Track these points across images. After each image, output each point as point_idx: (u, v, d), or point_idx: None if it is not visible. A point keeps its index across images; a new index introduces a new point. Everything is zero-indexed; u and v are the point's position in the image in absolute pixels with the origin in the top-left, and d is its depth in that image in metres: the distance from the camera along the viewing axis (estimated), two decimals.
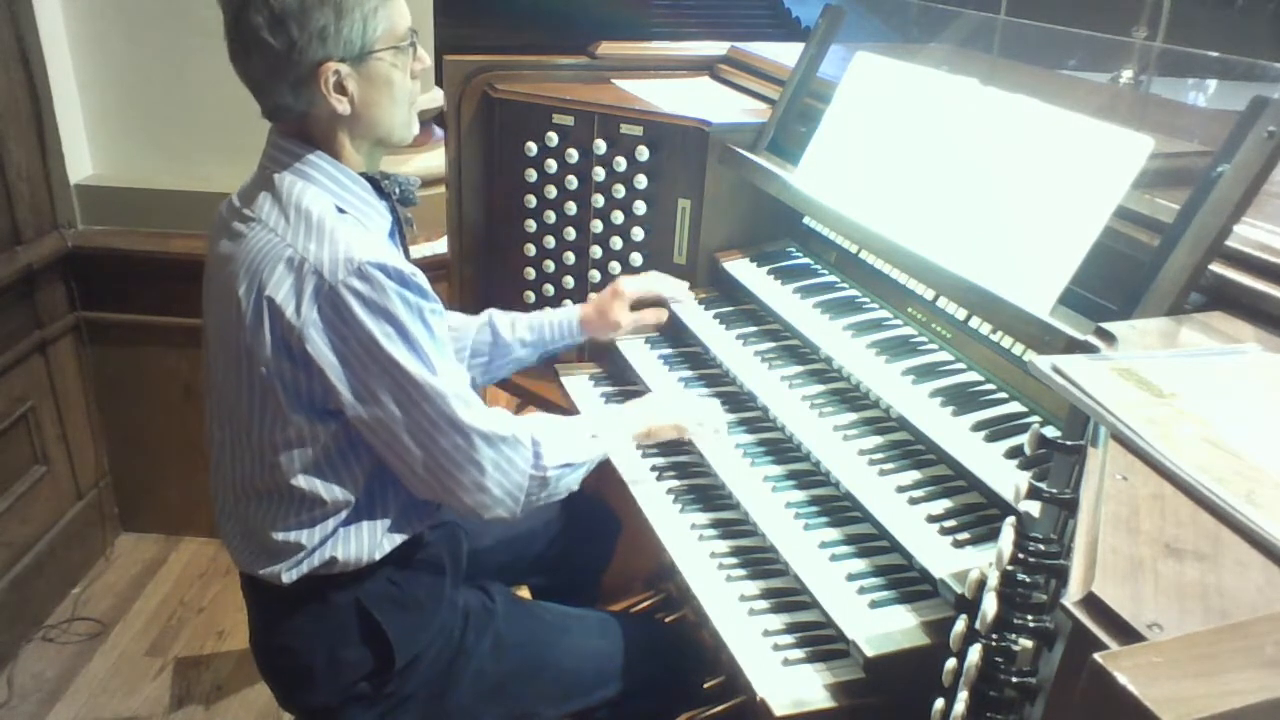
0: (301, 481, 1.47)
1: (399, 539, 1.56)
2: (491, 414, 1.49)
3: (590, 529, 2.06)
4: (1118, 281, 1.42)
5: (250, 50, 1.36)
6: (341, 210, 1.43)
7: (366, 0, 1.37)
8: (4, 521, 2.60)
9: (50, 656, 2.66)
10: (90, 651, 2.69)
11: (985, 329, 1.72)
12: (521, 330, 1.98)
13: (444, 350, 1.46)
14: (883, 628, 1.41)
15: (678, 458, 1.95)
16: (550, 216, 2.41)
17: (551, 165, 2.36)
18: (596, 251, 2.38)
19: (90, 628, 2.77)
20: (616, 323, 2.05)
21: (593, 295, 2.14)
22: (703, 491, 1.87)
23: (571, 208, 2.38)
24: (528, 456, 1.52)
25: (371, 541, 1.53)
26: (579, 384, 2.24)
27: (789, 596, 1.62)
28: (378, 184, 1.52)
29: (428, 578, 1.61)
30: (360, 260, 1.35)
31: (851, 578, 1.53)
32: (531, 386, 2.37)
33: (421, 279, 1.42)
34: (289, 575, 1.50)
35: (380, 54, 1.41)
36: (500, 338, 1.96)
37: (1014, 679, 0.91)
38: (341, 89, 1.40)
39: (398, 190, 1.55)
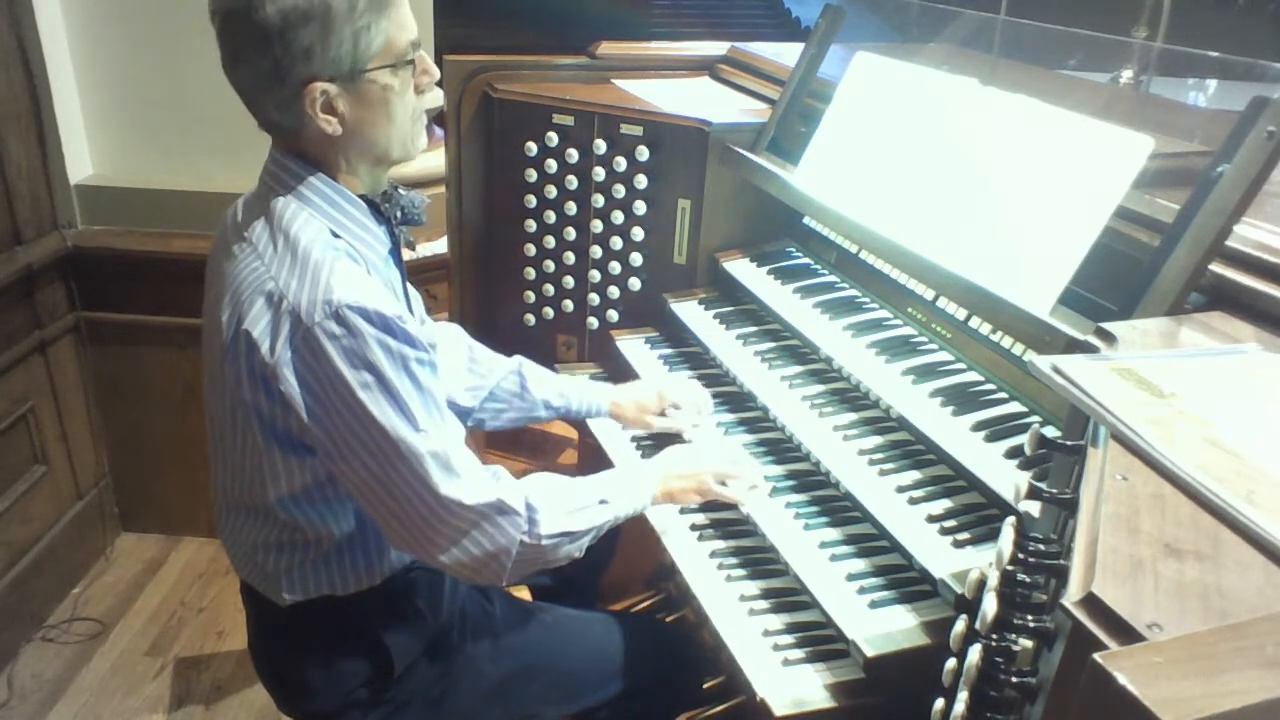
0: (283, 509, 1.43)
1: (399, 566, 1.55)
2: (479, 478, 1.38)
3: None
4: (1118, 281, 1.42)
5: (237, 64, 1.31)
6: (336, 235, 1.37)
7: (358, 16, 1.27)
8: (4, 521, 2.60)
9: (50, 656, 2.66)
10: (90, 651, 2.69)
11: (985, 329, 1.72)
12: (550, 392, 1.91)
13: (430, 404, 1.35)
14: (883, 628, 1.41)
15: None
16: (550, 217, 2.42)
17: (551, 165, 2.37)
18: (596, 251, 2.38)
19: (90, 628, 2.77)
20: (649, 423, 1.95)
21: (635, 386, 2.00)
22: None
23: (571, 208, 2.38)
24: (520, 524, 1.40)
25: (370, 572, 1.51)
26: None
27: (789, 596, 1.62)
28: (377, 206, 1.44)
29: (425, 585, 1.60)
30: (339, 303, 1.26)
31: (851, 578, 1.53)
32: None
33: (409, 324, 1.32)
34: (286, 599, 1.50)
35: (374, 73, 1.31)
36: (528, 393, 1.89)
37: (1014, 679, 0.91)
38: (331, 109, 1.31)
39: (399, 213, 1.48)
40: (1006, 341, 1.68)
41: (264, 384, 1.32)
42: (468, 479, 1.37)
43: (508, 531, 1.39)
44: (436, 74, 1.43)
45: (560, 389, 1.93)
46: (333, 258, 1.32)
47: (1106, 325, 1.25)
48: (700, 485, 1.68)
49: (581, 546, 1.51)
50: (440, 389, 1.40)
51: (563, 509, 1.46)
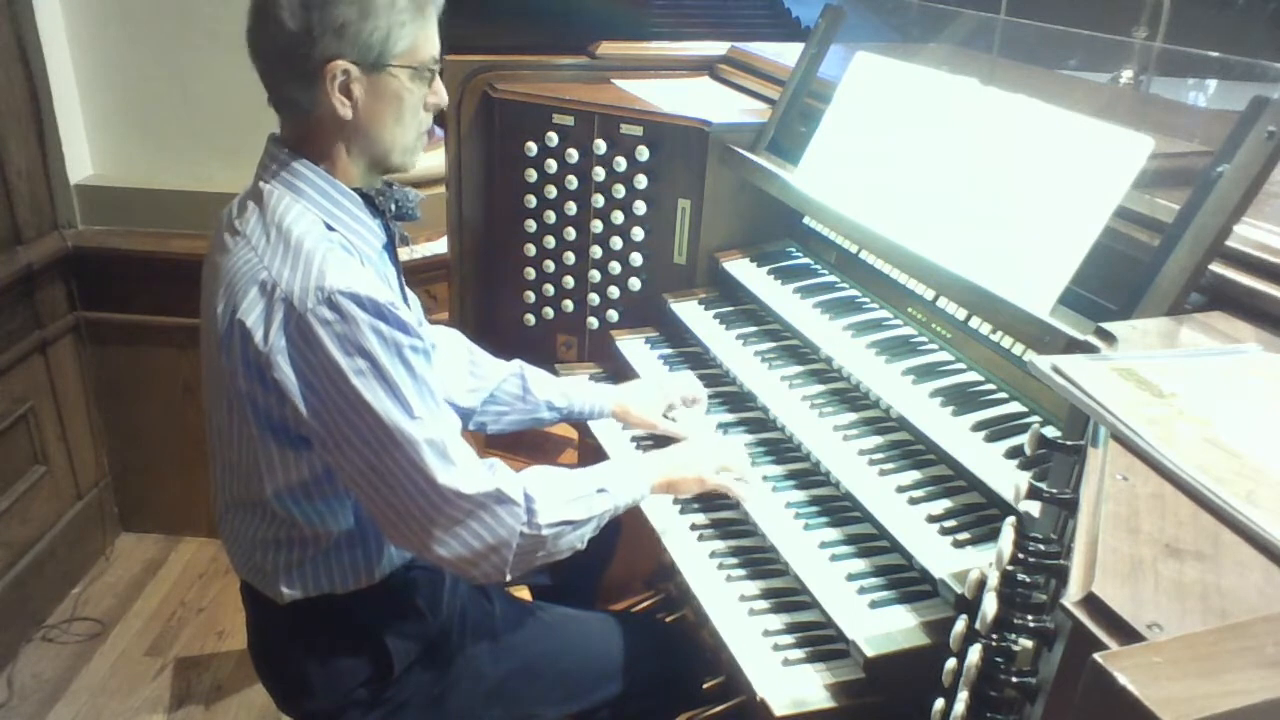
0: (280, 504, 1.43)
1: (398, 564, 1.55)
2: (476, 468, 1.38)
3: None
4: (1118, 281, 1.42)
5: (267, 31, 1.33)
6: (330, 227, 1.38)
7: (397, 11, 1.33)
8: (4, 521, 2.60)
9: (50, 656, 2.66)
10: (90, 651, 2.69)
11: (985, 329, 1.72)
12: (552, 393, 1.90)
13: (425, 392, 1.35)
14: (883, 628, 1.41)
15: None
16: (550, 216, 2.42)
17: (551, 165, 2.36)
18: (596, 251, 2.38)
19: (90, 628, 2.76)
20: (654, 424, 1.92)
21: (637, 386, 1.98)
22: None
23: (571, 208, 2.38)
24: (519, 514, 1.39)
25: (369, 570, 1.51)
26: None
27: (789, 596, 1.62)
28: (372, 200, 1.46)
29: (425, 585, 1.60)
30: (331, 289, 1.28)
31: (851, 578, 1.53)
32: None
33: (402, 312, 1.34)
34: (285, 596, 1.49)
35: (395, 70, 1.36)
36: (530, 395, 1.88)
37: (1014, 679, 0.91)
38: (347, 91, 1.34)
39: (393, 207, 1.49)
40: (1006, 341, 1.68)
41: (259, 373, 1.33)
42: (464, 468, 1.36)
43: (507, 522, 1.39)
44: (445, 99, 1.47)
45: (563, 390, 1.92)
46: (326, 247, 1.34)
47: (1106, 325, 1.25)
48: (700, 475, 1.67)
49: (583, 537, 1.50)
50: (435, 378, 1.40)
51: (561, 498, 1.46)
